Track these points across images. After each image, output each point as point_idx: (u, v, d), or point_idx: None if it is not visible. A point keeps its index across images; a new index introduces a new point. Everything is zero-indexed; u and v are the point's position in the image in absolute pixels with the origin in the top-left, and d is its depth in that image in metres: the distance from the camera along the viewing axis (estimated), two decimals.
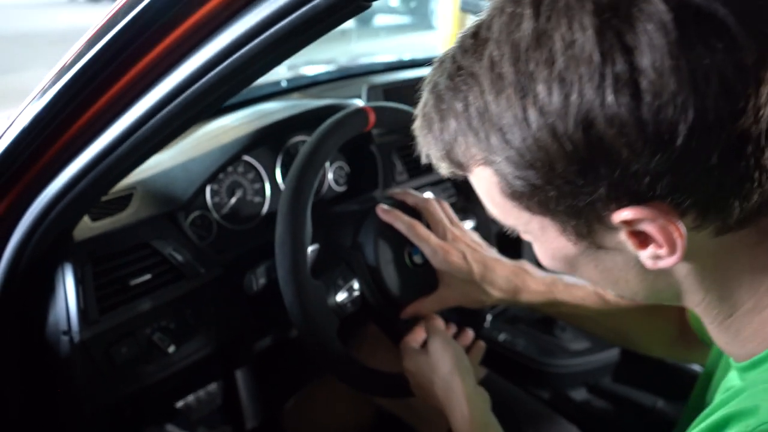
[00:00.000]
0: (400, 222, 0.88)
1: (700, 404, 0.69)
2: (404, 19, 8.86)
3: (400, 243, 0.88)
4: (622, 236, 0.44)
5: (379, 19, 8.46)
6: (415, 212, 0.92)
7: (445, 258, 0.86)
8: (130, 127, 0.64)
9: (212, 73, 0.57)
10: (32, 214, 0.73)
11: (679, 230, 0.41)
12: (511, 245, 1.05)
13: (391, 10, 8.74)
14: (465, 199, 1.01)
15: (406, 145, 1.23)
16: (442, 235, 0.89)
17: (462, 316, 0.96)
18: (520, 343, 1.22)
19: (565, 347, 1.21)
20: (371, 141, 1.16)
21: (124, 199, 0.88)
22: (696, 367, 1.19)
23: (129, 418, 0.90)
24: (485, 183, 0.48)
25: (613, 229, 0.44)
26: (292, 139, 1.06)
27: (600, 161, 0.39)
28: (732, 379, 0.54)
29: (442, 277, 0.89)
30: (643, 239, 0.44)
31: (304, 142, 1.07)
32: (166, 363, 0.86)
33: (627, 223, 0.42)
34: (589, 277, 0.51)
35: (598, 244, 0.46)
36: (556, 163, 0.40)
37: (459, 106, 0.44)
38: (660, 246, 0.43)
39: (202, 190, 0.93)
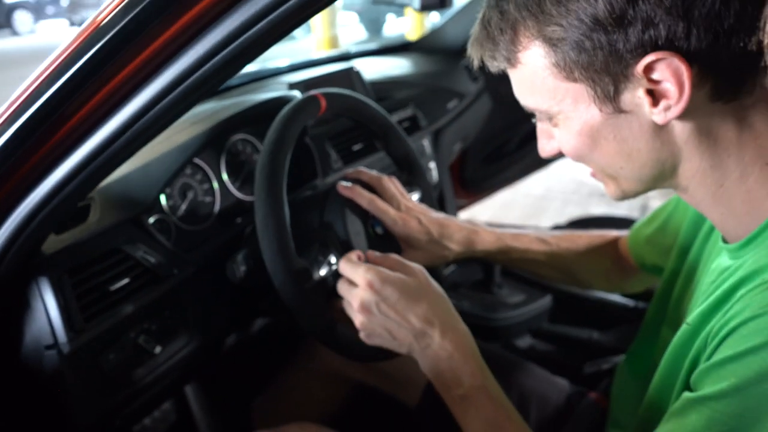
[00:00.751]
0: (361, 197, 0.94)
1: (666, 301, 0.81)
2: None
3: (363, 216, 0.95)
4: (640, 94, 0.55)
5: None
6: (370, 189, 0.98)
7: (405, 225, 0.94)
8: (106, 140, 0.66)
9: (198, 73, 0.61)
10: (6, 230, 0.71)
11: (689, 70, 0.52)
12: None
13: None
14: (408, 174, 1.09)
15: (337, 135, 1.28)
16: (397, 206, 0.97)
17: None
18: (465, 305, 1.32)
19: (504, 302, 1.33)
20: (305, 133, 1.21)
21: (83, 210, 0.87)
22: (617, 299, 1.35)
23: (119, 428, 0.89)
24: (532, 66, 0.58)
25: (634, 84, 0.55)
26: (233, 137, 1.08)
27: (630, 11, 0.51)
28: (723, 262, 0.64)
29: (406, 242, 0.96)
30: (656, 98, 0.55)
31: (244, 140, 1.10)
32: (154, 364, 0.86)
33: (647, 69, 0.53)
34: (606, 152, 0.60)
35: (620, 108, 0.56)
36: (599, 15, 0.52)
37: None
38: (669, 97, 0.54)
39: (162, 191, 0.94)
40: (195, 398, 1.35)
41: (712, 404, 0.54)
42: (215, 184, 1.05)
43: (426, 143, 1.52)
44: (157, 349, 0.86)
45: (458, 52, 1.94)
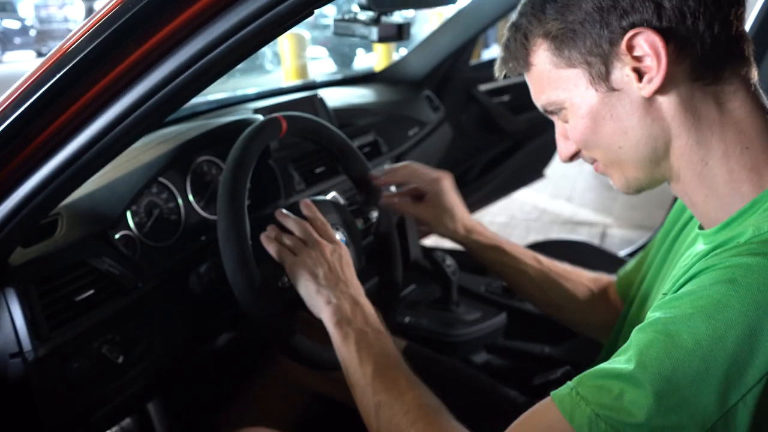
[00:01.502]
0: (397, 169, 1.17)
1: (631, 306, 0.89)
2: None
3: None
4: (628, 71, 0.64)
5: None
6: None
7: (439, 182, 1.13)
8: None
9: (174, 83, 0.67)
10: None
11: (664, 44, 0.62)
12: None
13: None
14: (366, 194, 1.14)
15: (300, 157, 1.34)
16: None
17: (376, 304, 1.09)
18: (423, 322, 1.37)
19: (462, 319, 1.38)
20: (268, 156, 1.26)
21: (51, 225, 0.90)
22: None
23: None
24: (541, 63, 0.70)
25: (621, 63, 0.64)
26: (198, 158, 1.13)
27: (611, 2, 0.63)
28: (698, 248, 0.70)
29: (429, 199, 1.13)
30: (641, 75, 0.64)
31: (210, 161, 1.15)
32: (117, 373, 0.89)
33: (630, 48, 0.63)
34: (606, 132, 0.68)
35: (612, 86, 0.66)
36: (588, 8, 0.64)
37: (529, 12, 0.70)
38: (651, 70, 0.63)
39: (128, 208, 0.97)
40: (157, 415, 1.36)
41: (654, 329, 0.58)
42: (181, 203, 1.09)
43: (387, 168, 1.58)
44: (120, 359, 0.89)
45: (420, 82, 2.03)
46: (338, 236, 1.01)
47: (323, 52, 9.48)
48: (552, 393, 0.64)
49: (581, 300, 1.08)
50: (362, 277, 0.96)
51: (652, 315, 0.62)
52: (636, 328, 0.62)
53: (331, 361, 0.94)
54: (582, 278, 1.10)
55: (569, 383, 0.63)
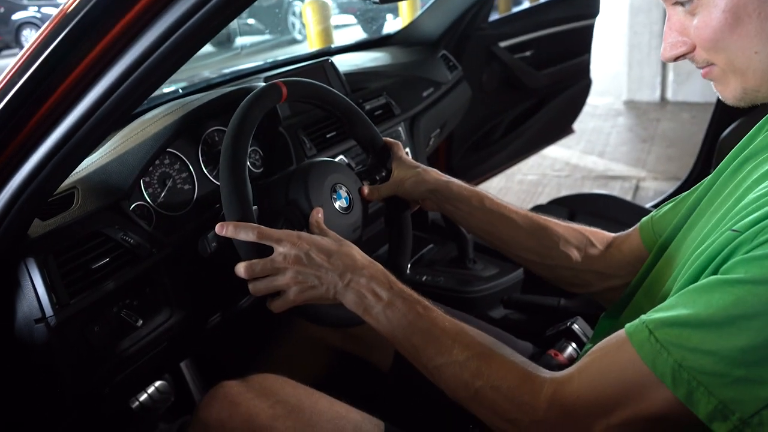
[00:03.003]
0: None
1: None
2: (265, 38, 8.92)
3: (327, 190, 1.02)
4: None
5: (240, 41, 8.45)
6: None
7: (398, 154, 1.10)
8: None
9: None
10: None
11: None
12: None
13: (251, 31, 8.76)
14: (374, 157, 1.15)
15: (311, 124, 1.36)
16: None
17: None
18: (440, 280, 1.39)
19: (479, 275, 1.39)
20: (279, 123, 1.28)
21: (68, 198, 0.95)
22: None
23: (108, 397, 0.96)
24: None
25: None
26: (209, 128, 1.16)
27: None
28: None
29: (396, 166, 1.09)
30: None
31: (219, 130, 1.18)
32: (137, 336, 0.94)
33: None
34: (746, 32, 0.61)
35: None
36: None
37: None
38: None
39: (139, 179, 1.01)
40: (191, 376, 1.43)
41: (743, 287, 0.56)
42: (193, 173, 1.13)
43: (401, 130, 1.59)
44: (140, 323, 0.94)
45: (435, 42, 2.01)
46: (342, 194, 1.03)
47: (351, 19, 9.42)
48: (627, 332, 0.63)
49: (575, 241, 1.02)
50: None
51: (732, 264, 0.59)
52: (714, 278, 0.59)
53: (340, 318, 0.97)
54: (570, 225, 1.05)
55: (643, 325, 0.62)
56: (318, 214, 0.96)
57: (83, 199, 0.95)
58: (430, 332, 0.78)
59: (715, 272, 0.61)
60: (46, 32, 0.70)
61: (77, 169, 0.99)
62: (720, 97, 0.70)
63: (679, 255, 0.80)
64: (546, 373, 0.72)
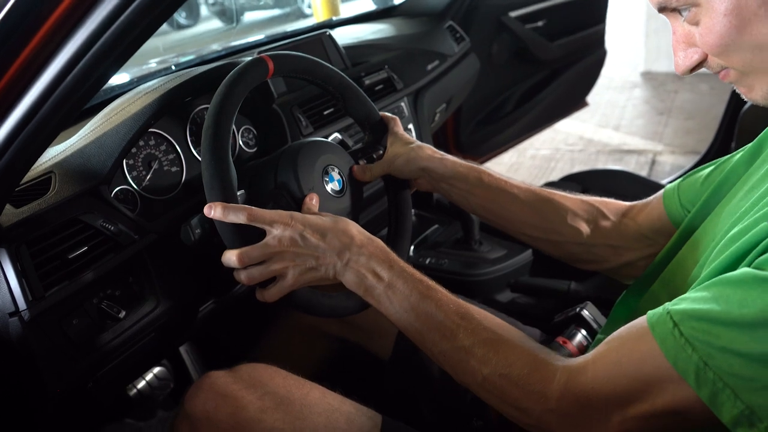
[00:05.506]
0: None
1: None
2: (274, 12, 8.80)
3: (318, 175, 0.96)
4: None
5: (249, 16, 8.34)
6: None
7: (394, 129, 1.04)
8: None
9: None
10: None
11: None
12: None
13: (259, 6, 8.63)
14: (371, 134, 1.09)
15: (307, 101, 1.29)
16: None
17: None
18: (445, 263, 1.33)
19: (485, 258, 1.33)
20: (273, 100, 1.22)
21: (44, 183, 0.89)
22: None
23: (92, 391, 0.92)
24: None
25: None
26: (197, 107, 1.10)
27: None
28: None
29: (392, 142, 1.04)
30: None
31: (207, 109, 1.11)
32: (120, 328, 0.89)
33: None
34: (757, 32, 0.58)
35: None
36: None
37: None
38: None
39: (120, 162, 0.96)
40: (191, 361, 1.39)
41: None
42: (181, 154, 1.07)
43: (404, 105, 1.52)
44: (122, 314, 0.89)
45: (441, 13, 1.93)
46: (335, 176, 0.97)
47: None
48: (649, 322, 0.59)
49: (584, 214, 0.96)
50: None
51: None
52: (751, 274, 0.55)
53: (333, 308, 0.92)
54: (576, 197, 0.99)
55: (667, 315, 0.58)
56: (312, 201, 0.90)
57: (60, 185, 0.89)
58: (433, 316, 0.75)
59: (750, 264, 0.57)
60: None
61: (54, 153, 0.94)
62: (747, 100, 0.65)
63: (707, 238, 0.74)
64: (559, 360, 0.68)
